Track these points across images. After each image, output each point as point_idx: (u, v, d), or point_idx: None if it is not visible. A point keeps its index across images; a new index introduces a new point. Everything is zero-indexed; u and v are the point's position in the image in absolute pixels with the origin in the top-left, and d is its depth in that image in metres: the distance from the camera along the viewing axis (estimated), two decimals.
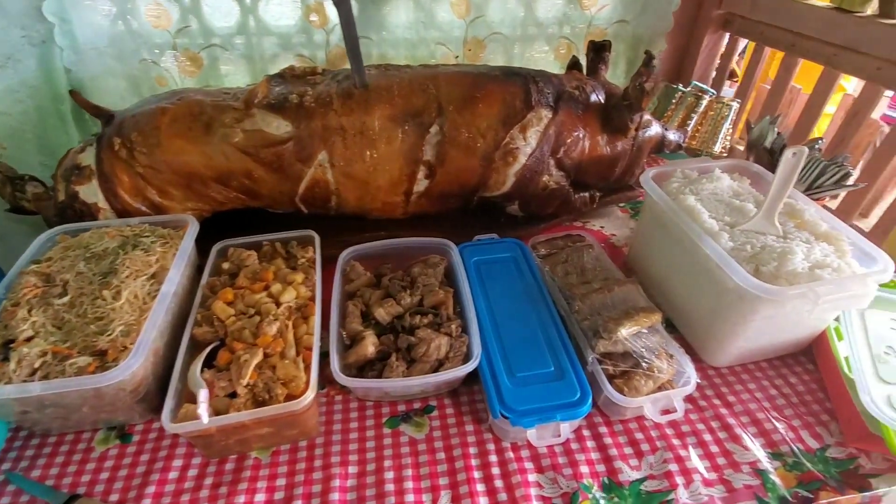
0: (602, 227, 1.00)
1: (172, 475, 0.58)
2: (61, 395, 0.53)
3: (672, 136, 0.98)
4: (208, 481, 0.58)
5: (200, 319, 0.64)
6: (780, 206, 0.66)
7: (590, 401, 0.60)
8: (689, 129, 1.15)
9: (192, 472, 0.59)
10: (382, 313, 0.67)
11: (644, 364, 0.64)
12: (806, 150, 0.59)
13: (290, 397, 0.56)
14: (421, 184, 0.84)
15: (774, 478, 0.59)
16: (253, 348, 0.59)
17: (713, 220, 0.70)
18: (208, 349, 0.61)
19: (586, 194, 0.94)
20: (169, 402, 0.54)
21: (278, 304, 0.65)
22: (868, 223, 0.93)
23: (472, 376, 0.65)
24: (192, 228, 0.73)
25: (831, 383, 0.68)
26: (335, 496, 0.56)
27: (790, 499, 0.57)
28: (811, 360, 0.73)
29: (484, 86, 0.80)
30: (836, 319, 0.70)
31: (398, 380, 0.59)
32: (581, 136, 0.85)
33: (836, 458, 0.61)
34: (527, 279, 0.77)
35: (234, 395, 0.57)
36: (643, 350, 0.65)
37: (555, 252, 0.83)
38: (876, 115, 0.97)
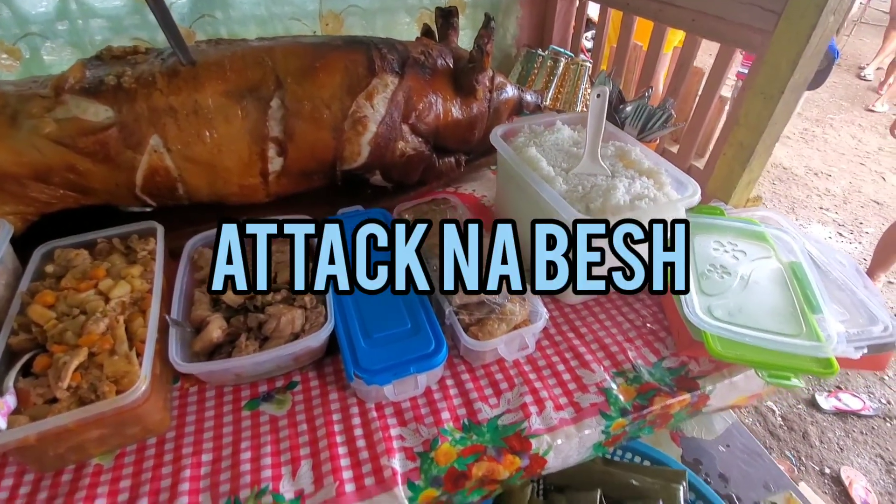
0: (473, 190, 1.02)
1: (1, 496, 0.52)
2: None
3: (529, 97, 1.02)
4: (42, 496, 0.53)
5: (17, 328, 0.58)
6: (600, 145, 0.71)
7: (444, 351, 0.62)
8: (551, 91, 1.21)
9: (23, 490, 0.53)
10: (231, 295, 0.65)
11: (497, 309, 0.67)
12: (608, 90, 0.64)
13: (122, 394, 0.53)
14: (275, 162, 0.81)
15: (617, 393, 0.64)
16: (75, 349, 0.54)
17: (551, 167, 0.74)
18: (24, 358, 0.55)
19: (451, 159, 0.96)
20: None
21: (108, 301, 0.60)
22: (703, 161, 1.03)
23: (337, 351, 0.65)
24: (3, 233, 0.65)
25: (666, 302, 0.76)
26: (185, 487, 0.53)
27: (629, 409, 0.63)
28: None
29: (323, 55, 0.78)
30: None
31: (242, 357, 0.57)
32: (433, 100, 0.86)
33: (670, 367, 0.68)
34: None
35: (55, 400, 0.52)
36: (496, 296, 0.68)
37: (419, 217, 0.84)
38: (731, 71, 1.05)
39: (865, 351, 0.67)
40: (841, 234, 2.72)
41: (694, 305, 0.67)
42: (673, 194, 0.71)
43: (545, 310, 0.67)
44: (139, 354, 0.56)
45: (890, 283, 2.38)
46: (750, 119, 0.84)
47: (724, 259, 0.77)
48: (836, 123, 3.83)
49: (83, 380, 0.53)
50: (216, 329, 0.61)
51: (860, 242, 2.63)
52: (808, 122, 3.83)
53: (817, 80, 2.21)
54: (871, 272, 2.26)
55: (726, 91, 1.02)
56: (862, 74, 4.63)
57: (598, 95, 0.65)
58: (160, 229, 0.73)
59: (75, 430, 0.51)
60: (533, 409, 0.62)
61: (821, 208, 2.91)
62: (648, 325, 0.74)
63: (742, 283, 0.73)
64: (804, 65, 0.75)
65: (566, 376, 0.66)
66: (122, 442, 0.57)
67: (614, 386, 0.65)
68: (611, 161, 0.76)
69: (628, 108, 0.90)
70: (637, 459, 0.73)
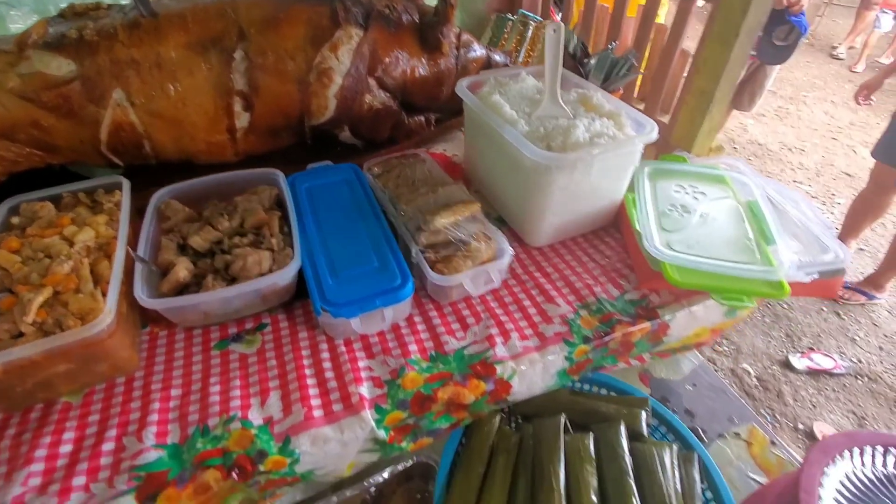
0: (444, 149, 1.03)
1: None
2: None
3: (498, 57, 1.03)
4: (10, 432, 0.53)
5: None
6: (560, 88, 0.72)
7: (410, 285, 0.63)
8: (521, 54, 1.22)
9: None
10: (199, 240, 0.65)
11: (462, 248, 0.68)
12: (563, 25, 0.66)
13: None
14: (242, 118, 0.81)
15: (580, 323, 0.66)
16: (40, 288, 0.55)
17: (514, 111, 0.75)
18: None
19: (421, 117, 0.97)
20: None
21: (73, 245, 0.61)
22: (668, 117, 1.06)
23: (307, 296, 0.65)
24: None
25: (629, 241, 0.78)
26: (154, 417, 0.54)
27: (591, 336, 0.65)
28: (618, 230, 0.83)
29: (287, 6, 0.78)
30: (631, 190, 0.80)
31: (209, 293, 0.58)
32: (399, 55, 0.87)
33: (631, 299, 0.70)
34: (358, 197, 0.79)
35: (21, 335, 0.53)
36: (462, 235, 0.69)
37: (388, 170, 0.85)
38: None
39: (816, 276, 0.70)
40: None
41: (654, 240, 0.69)
42: (632, 133, 0.73)
43: (511, 248, 0.69)
44: (104, 294, 0.56)
45: (861, 249, 2.45)
46: (709, 65, 0.86)
47: (685, 199, 0.79)
48: (809, 101, 3.91)
49: (48, 316, 0.53)
50: (183, 269, 0.61)
51: (832, 213, 2.69)
52: (782, 100, 3.90)
53: (785, 55, 2.25)
54: (842, 239, 2.32)
55: None
56: (834, 53, 4.73)
57: (554, 31, 0.66)
58: (126, 182, 0.73)
59: (42, 363, 0.52)
60: (498, 339, 0.63)
61: (794, 181, 2.97)
62: (612, 263, 0.76)
63: (701, 220, 0.75)
64: (756, 6, 0.77)
65: (531, 310, 0.68)
66: (90, 380, 0.57)
67: (577, 317, 0.67)
68: (573, 106, 0.78)
69: (592, 61, 0.92)
70: (603, 392, 0.75)
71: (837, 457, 0.55)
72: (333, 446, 0.54)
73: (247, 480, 0.51)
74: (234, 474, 0.50)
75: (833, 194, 2.85)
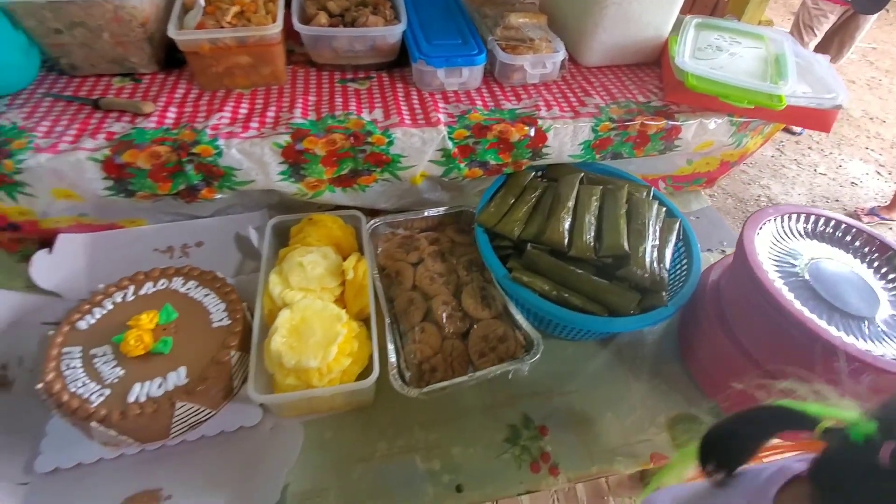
0: None
1: (177, 95, 0.79)
2: (87, 9, 0.72)
3: None
4: (206, 99, 0.79)
5: None
6: None
7: (484, 55, 0.83)
8: None
9: (192, 97, 0.80)
10: (333, 5, 0.87)
11: (528, 42, 0.87)
12: None
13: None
14: None
15: (609, 111, 0.85)
16: (231, 5, 0.79)
17: None
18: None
19: None
20: (174, 21, 0.74)
21: None
22: None
23: (404, 66, 0.87)
24: None
25: (665, 70, 0.94)
26: (299, 104, 0.78)
27: (615, 119, 0.83)
28: (659, 67, 0.98)
29: None
30: (676, 32, 0.94)
31: (340, 29, 0.81)
32: None
33: (656, 105, 0.88)
34: (451, 5, 0.98)
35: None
36: (529, 33, 0.88)
37: None
38: None
39: (813, 105, 0.84)
40: (879, 174, 2.73)
41: (684, 58, 0.85)
42: None
43: (565, 49, 0.87)
44: (273, 20, 0.80)
45: None
46: None
47: (721, 44, 0.93)
48: None
49: (238, 23, 0.78)
50: (323, 18, 0.84)
51: None
52: (877, 72, 3.68)
53: (878, 5, 2.18)
54: (893, 203, 2.32)
55: None
56: None
57: None
58: None
59: (233, 50, 0.76)
60: (543, 108, 0.83)
61: (867, 149, 2.89)
62: (646, 84, 0.93)
63: (730, 57, 0.90)
64: None
65: (572, 99, 0.87)
66: (257, 80, 0.82)
67: (608, 107, 0.85)
68: None
69: None
70: None
71: (769, 220, 0.72)
72: (416, 141, 0.77)
73: (359, 145, 0.75)
74: (351, 139, 0.74)
75: None
